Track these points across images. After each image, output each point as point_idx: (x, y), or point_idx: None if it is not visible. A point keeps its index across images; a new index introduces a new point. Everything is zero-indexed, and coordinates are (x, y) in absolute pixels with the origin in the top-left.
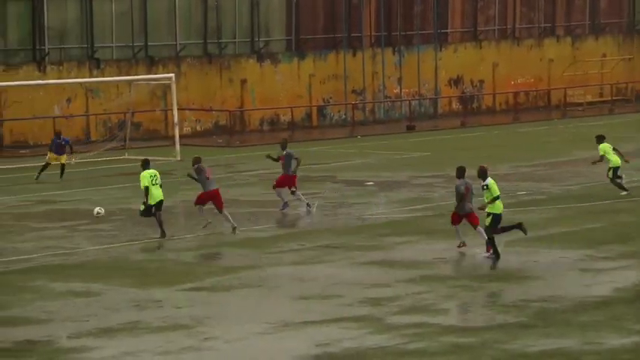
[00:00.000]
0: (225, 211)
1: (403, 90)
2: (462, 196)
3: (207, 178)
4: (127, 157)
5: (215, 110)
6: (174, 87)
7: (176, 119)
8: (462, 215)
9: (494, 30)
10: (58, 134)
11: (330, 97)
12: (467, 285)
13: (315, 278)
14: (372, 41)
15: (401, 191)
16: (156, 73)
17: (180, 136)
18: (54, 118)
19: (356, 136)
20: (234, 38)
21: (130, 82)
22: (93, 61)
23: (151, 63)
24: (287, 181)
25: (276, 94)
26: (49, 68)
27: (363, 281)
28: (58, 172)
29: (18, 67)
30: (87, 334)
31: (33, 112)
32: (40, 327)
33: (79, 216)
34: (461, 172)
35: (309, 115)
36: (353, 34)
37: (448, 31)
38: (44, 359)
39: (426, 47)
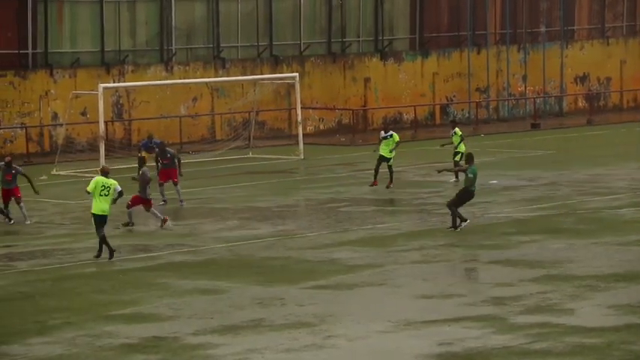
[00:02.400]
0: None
1: (528, 88)
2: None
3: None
4: (251, 155)
5: (338, 109)
6: (298, 86)
7: (300, 118)
8: None
9: (622, 27)
10: (150, 137)
11: (454, 96)
12: (592, 285)
13: (438, 277)
14: (497, 39)
15: (525, 190)
16: (280, 73)
17: (304, 135)
18: (180, 117)
19: (480, 135)
20: (358, 37)
21: (254, 81)
22: (218, 61)
23: (276, 62)
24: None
25: (400, 92)
26: (175, 68)
27: (486, 280)
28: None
29: (146, 67)
30: (212, 331)
31: (160, 112)
32: (167, 323)
33: (204, 214)
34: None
35: (432, 114)
36: (477, 32)
37: (575, 28)
38: (170, 355)
39: (551, 44)
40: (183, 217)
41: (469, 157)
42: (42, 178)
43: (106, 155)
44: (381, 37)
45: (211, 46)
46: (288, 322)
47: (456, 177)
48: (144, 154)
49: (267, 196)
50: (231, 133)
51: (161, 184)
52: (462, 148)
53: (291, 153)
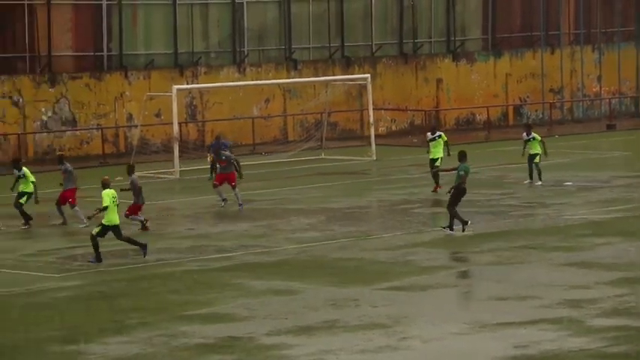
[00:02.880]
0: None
1: (603, 88)
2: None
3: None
4: (323, 156)
5: (410, 110)
6: (369, 87)
7: (372, 119)
8: None
9: None
10: (218, 137)
11: (527, 96)
12: None
13: (512, 279)
14: (571, 39)
15: (601, 191)
16: (352, 74)
17: (376, 136)
18: (252, 118)
19: (554, 136)
20: (430, 38)
21: (326, 82)
22: (290, 62)
23: (347, 63)
24: None
25: (472, 93)
26: (248, 69)
27: (561, 283)
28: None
29: (219, 68)
30: (286, 331)
31: (233, 113)
32: (242, 324)
33: (277, 215)
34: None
35: (505, 115)
36: (550, 32)
37: None
38: (245, 355)
39: (626, 45)
40: (257, 217)
41: (461, 155)
42: (117, 178)
43: (179, 156)
44: (453, 38)
45: (283, 47)
46: (362, 323)
47: (530, 177)
48: (210, 156)
49: (340, 197)
50: (303, 134)
51: (215, 186)
52: (538, 148)
53: (363, 154)
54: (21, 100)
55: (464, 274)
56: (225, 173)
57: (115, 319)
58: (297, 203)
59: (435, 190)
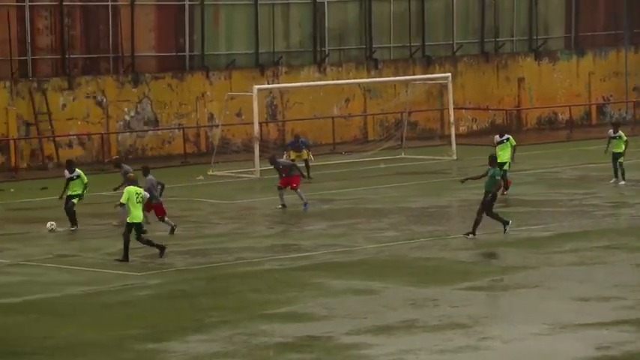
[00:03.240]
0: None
1: None
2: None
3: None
4: (403, 156)
5: (491, 109)
6: (450, 86)
7: (452, 118)
8: None
9: None
10: (297, 137)
11: (611, 95)
12: None
13: (595, 279)
14: None
15: None
16: (432, 73)
17: (457, 135)
18: (333, 118)
19: (638, 135)
20: (512, 36)
21: (406, 82)
22: (371, 62)
23: (428, 63)
24: None
25: (554, 92)
26: (328, 69)
27: None
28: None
29: (299, 68)
30: (365, 331)
31: (313, 113)
32: (321, 323)
33: (357, 214)
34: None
35: (588, 114)
36: (635, 30)
37: None
38: (324, 354)
39: None
40: (337, 217)
41: (491, 159)
42: (198, 178)
43: (260, 156)
44: (535, 37)
45: (364, 47)
46: (441, 323)
47: (615, 176)
48: (292, 154)
49: (420, 196)
50: (383, 133)
51: (280, 188)
52: (622, 147)
53: (443, 153)
54: (104, 100)
55: (545, 274)
56: (289, 177)
57: (196, 317)
58: (376, 203)
59: (503, 193)
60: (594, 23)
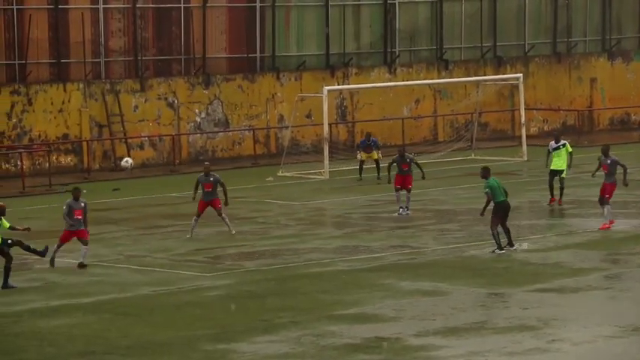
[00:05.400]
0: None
1: None
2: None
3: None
4: (473, 157)
5: (563, 110)
6: (521, 87)
7: (523, 119)
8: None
9: None
10: (368, 135)
11: None
12: None
13: None
14: None
15: None
16: (503, 73)
17: (528, 136)
18: (402, 119)
19: None
20: (585, 36)
21: (477, 82)
22: (441, 63)
23: (499, 63)
24: None
25: (627, 92)
26: (398, 70)
27: None
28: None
29: (369, 69)
30: (434, 332)
31: (383, 114)
32: (389, 324)
33: (426, 216)
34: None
35: None
36: None
37: None
38: (392, 356)
39: None
40: (406, 218)
41: (483, 171)
42: (268, 179)
43: (329, 157)
44: (608, 37)
45: (434, 47)
46: (511, 325)
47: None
48: (362, 154)
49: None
50: (453, 134)
51: (397, 189)
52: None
53: (514, 154)
54: (176, 101)
55: (617, 276)
56: (404, 175)
57: (264, 318)
58: (446, 204)
59: (550, 203)
60: None
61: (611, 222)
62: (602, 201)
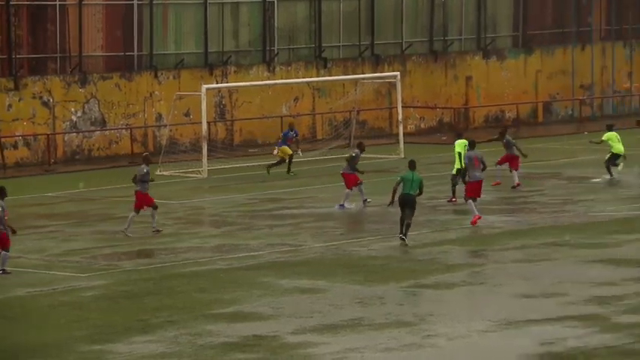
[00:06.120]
0: None
1: (634, 84)
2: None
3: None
4: (351, 155)
5: (439, 107)
6: (399, 85)
7: (400, 117)
8: None
9: None
10: (291, 126)
11: (557, 93)
12: None
13: (539, 276)
14: (602, 35)
15: (630, 188)
16: (381, 72)
17: (405, 134)
18: (281, 117)
19: (583, 133)
20: (461, 35)
21: (355, 80)
22: (320, 61)
23: (377, 62)
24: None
25: (502, 90)
26: (277, 68)
27: (588, 279)
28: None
29: (248, 68)
30: (311, 329)
31: (262, 112)
32: (267, 322)
33: (304, 214)
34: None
35: (534, 112)
36: (581, 29)
37: None
38: (270, 354)
39: None
40: (284, 216)
41: (409, 164)
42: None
43: (208, 155)
44: (483, 35)
45: (313, 46)
46: (387, 321)
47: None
48: (279, 151)
49: (368, 195)
50: (332, 132)
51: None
52: (618, 149)
53: (391, 152)
54: (51, 100)
55: (490, 272)
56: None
57: (141, 318)
58: (324, 202)
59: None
60: (542, 22)
61: (479, 217)
62: (468, 198)
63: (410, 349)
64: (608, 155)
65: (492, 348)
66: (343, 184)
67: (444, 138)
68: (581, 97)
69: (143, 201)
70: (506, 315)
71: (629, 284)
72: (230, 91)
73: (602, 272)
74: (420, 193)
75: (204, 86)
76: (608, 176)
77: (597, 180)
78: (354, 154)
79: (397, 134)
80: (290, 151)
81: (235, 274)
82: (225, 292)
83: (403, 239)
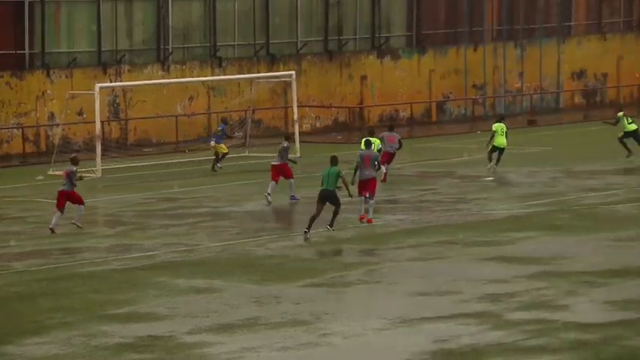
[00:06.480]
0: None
1: (524, 84)
2: None
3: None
4: (247, 154)
5: (335, 107)
6: (294, 84)
7: (296, 116)
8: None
9: (619, 22)
10: (224, 121)
11: (450, 93)
12: (588, 281)
13: (433, 274)
14: (494, 35)
15: (522, 186)
16: (277, 71)
17: (300, 133)
18: (176, 116)
19: (476, 132)
20: (355, 35)
21: (251, 80)
22: (215, 60)
23: (272, 61)
24: None
25: (396, 90)
26: (172, 67)
27: (481, 277)
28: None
29: (143, 66)
30: (207, 329)
31: (156, 111)
32: (163, 323)
33: (200, 213)
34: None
35: (428, 111)
36: (474, 29)
37: (572, 24)
38: (165, 354)
39: (548, 41)
40: (180, 216)
41: (330, 159)
42: (38, 178)
43: (102, 155)
44: (377, 35)
45: (208, 45)
46: (283, 320)
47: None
48: (217, 147)
49: (264, 194)
50: (227, 131)
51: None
52: (499, 141)
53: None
54: None
55: (386, 270)
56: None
57: (34, 319)
58: (220, 201)
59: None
60: (435, 21)
61: (363, 217)
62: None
63: (306, 348)
64: (490, 146)
65: (387, 346)
66: (238, 182)
67: (340, 137)
68: (473, 97)
69: (68, 199)
70: (401, 313)
71: (520, 281)
72: (124, 90)
73: (494, 270)
74: (339, 187)
75: (98, 85)
76: (490, 165)
77: (490, 178)
78: (285, 145)
79: (293, 133)
80: (225, 150)
81: (130, 275)
82: (121, 292)
83: (306, 232)
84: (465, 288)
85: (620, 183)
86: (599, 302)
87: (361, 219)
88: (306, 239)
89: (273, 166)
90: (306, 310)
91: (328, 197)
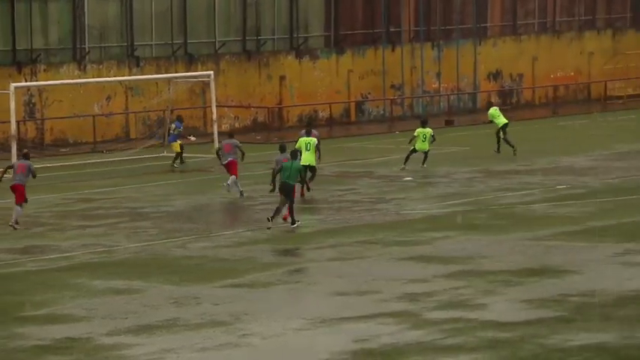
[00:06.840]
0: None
1: (442, 85)
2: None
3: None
4: (165, 154)
5: (254, 107)
6: (213, 84)
7: (215, 116)
8: None
9: (534, 23)
10: (179, 118)
11: (369, 93)
12: (505, 280)
13: (353, 274)
14: (411, 36)
15: (439, 186)
16: (195, 71)
17: (219, 133)
18: (94, 116)
19: (394, 132)
20: (273, 35)
21: (169, 79)
22: (132, 60)
23: (190, 61)
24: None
25: (315, 90)
26: (89, 67)
27: (400, 277)
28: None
29: (59, 66)
30: (126, 331)
31: (73, 111)
32: (80, 324)
33: (119, 214)
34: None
35: (347, 111)
36: (392, 29)
37: (487, 25)
38: (84, 356)
39: (465, 42)
40: (99, 216)
41: (291, 153)
42: None
43: (17, 155)
44: (296, 35)
45: (125, 44)
46: (203, 321)
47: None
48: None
49: (183, 194)
50: (145, 131)
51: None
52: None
53: (206, 151)
54: None
55: (305, 270)
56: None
57: None
58: (138, 201)
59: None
60: (353, 22)
61: (287, 216)
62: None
63: (225, 349)
64: (412, 148)
65: (306, 346)
66: (157, 183)
67: (259, 137)
68: (392, 97)
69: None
70: (321, 313)
71: (439, 281)
72: (40, 89)
73: (413, 269)
74: (302, 180)
75: (13, 84)
76: (403, 166)
77: (408, 179)
78: (236, 142)
79: (212, 133)
80: (179, 149)
81: (47, 276)
82: (37, 294)
83: (269, 220)
84: (385, 287)
85: (536, 183)
86: (517, 301)
87: (284, 218)
88: (268, 228)
89: (229, 162)
90: (225, 311)
91: (287, 190)
